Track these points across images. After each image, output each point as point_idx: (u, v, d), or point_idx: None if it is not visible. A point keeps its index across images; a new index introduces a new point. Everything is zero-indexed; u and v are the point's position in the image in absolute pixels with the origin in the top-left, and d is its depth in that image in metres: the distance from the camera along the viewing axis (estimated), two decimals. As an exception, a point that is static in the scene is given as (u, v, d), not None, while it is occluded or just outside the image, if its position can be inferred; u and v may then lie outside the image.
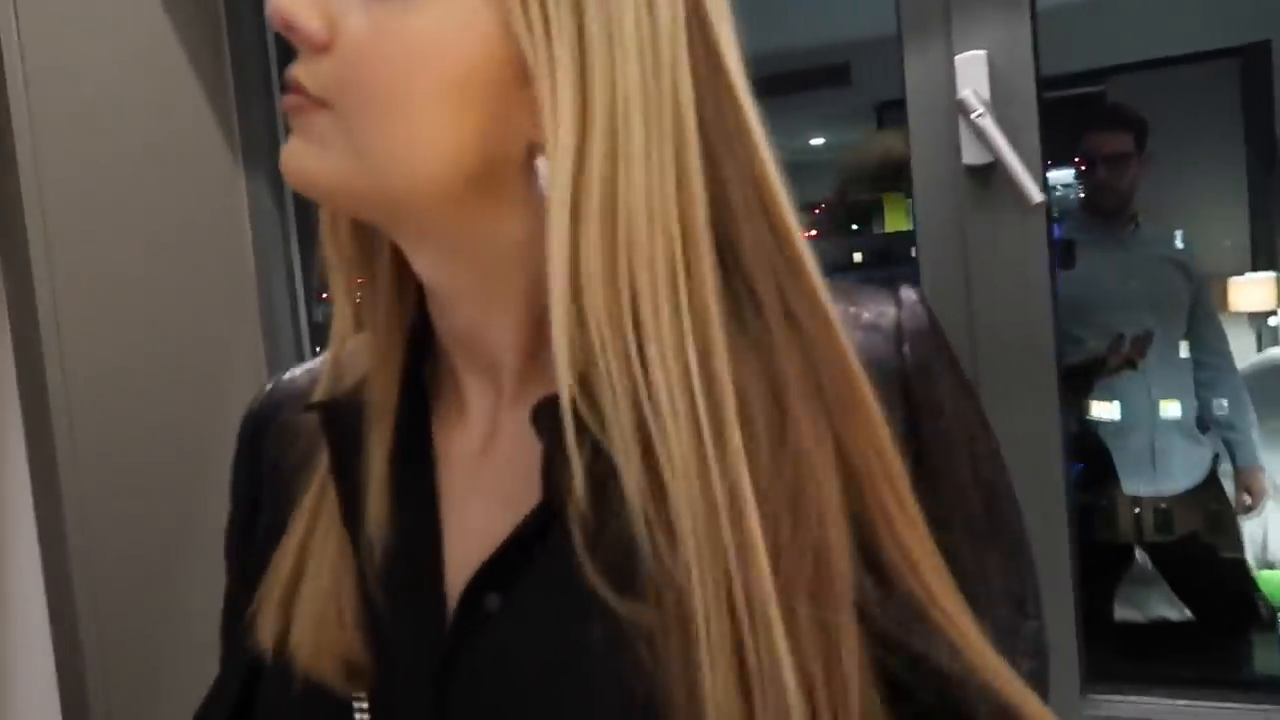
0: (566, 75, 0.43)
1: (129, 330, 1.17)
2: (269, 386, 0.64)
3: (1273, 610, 2.52)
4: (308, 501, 0.53)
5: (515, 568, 0.46)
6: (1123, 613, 2.53)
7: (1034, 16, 1.00)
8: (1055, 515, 1.02)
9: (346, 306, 0.54)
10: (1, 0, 1.05)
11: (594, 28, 0.43)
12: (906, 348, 0.49)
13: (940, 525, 0.46)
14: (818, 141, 4.36)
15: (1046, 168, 1.02)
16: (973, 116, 0.95)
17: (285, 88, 0.47)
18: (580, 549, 0.42)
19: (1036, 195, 0.94)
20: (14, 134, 1.06)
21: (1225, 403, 2.38)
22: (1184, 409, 2.30)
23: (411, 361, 0.53)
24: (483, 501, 0.50)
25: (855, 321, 0.50)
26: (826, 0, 3.29)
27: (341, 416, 0.52)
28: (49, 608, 1.10)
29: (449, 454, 0.53)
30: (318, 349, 1.39)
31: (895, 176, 2.48)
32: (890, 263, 2.58)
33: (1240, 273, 3.45)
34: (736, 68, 0.46)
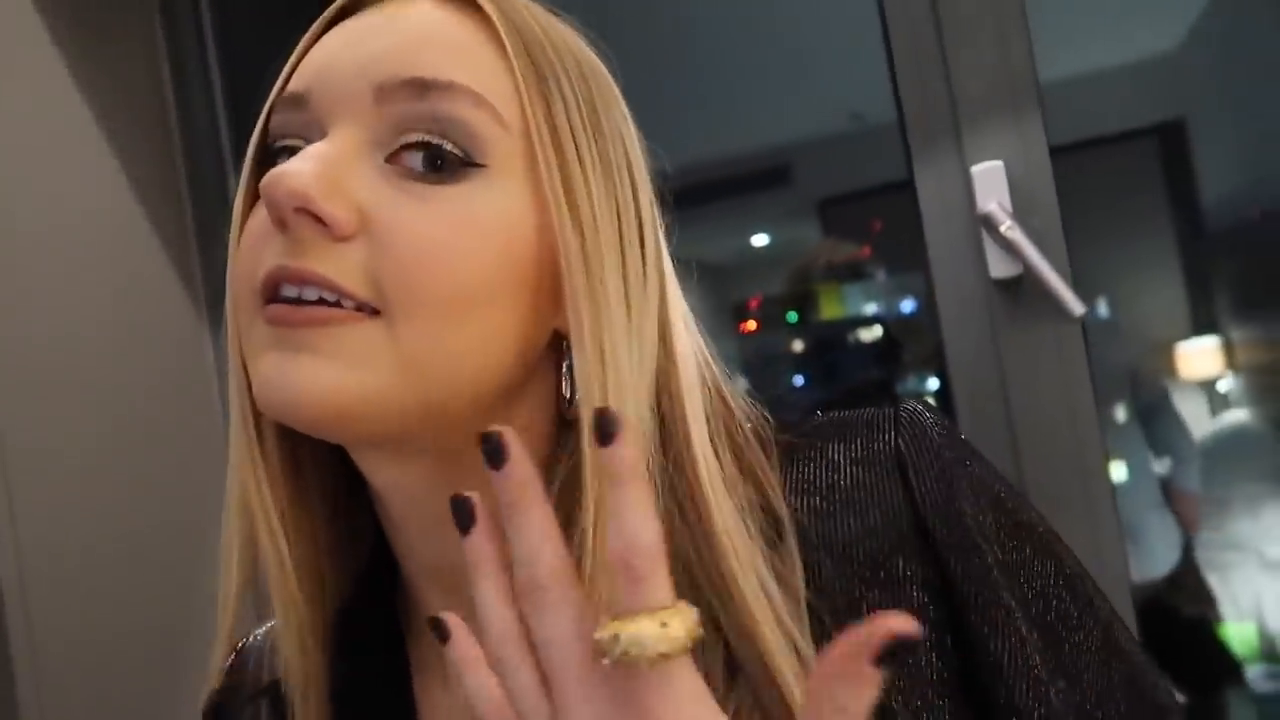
0: (593, 252, 0.40)
1: (88, 511, 1.05)
2: (229, 661, 0.55)
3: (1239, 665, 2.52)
4: None
5: None
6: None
7: (1045, 122, 0.97)
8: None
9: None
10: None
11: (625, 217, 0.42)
12: (916, 471, 0.43)
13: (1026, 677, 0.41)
14: (760, 241, 4.42)
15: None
16: (1002, 230, 0.91)
17: (282, 283, 0.38)
18: None
19: (1078, 307, 0.90)
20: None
21: (1174, 464, 2.40)
22: (1133, 476, 2.30)
23: (377, 610, 0.46)
24: None
25: (845, 451, 0.44)
26: (765, 104, 3.36)
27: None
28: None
29: (428, 691, 0.46)
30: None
31: (838, 275, 2.58)
32: (830, 349, 2.59)
33: (1183, 338, 3.52)
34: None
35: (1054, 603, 0.44)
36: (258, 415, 0.42)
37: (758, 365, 2.82)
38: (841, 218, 3.79)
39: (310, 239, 0.39)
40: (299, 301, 0.39)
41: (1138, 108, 3.54)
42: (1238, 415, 3.38)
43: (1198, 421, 3.14)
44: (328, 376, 0.38)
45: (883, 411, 0.45)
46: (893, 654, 0.29)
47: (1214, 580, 2.70)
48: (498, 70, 0.42)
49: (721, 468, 0.42)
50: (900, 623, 0.29)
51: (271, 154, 0.43)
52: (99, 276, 1.11)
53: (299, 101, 0.42)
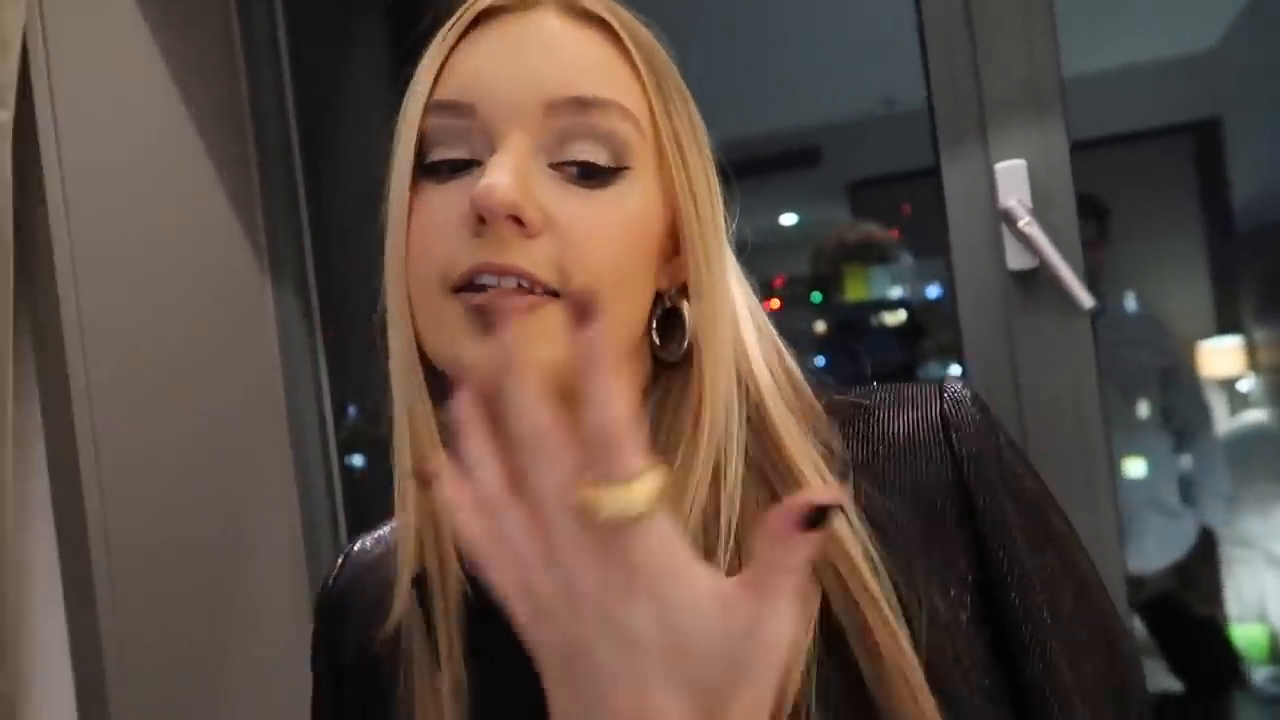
0: (709, 231, 0.50)
1: (161, 447, 1.14)
2: (340, 560, 0.63)
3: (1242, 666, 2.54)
4: (419, 680, 0.52)
5: None
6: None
7: (1067, 123, 1.03)
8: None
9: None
10: (44, 130, 1.04)
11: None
12: (958, 435, 0.51)
13: (1019, 603, 0.49)
14: (789, 221, 4.45)
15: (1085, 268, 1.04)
16: (1020, 225, 0.97)
17: (483, 275, 0.46)
18: None
19: (1088, 301, 0.95)
20: (55, 258, 1.04)
21: (1191, 459, 2.40)
22: (1154, 473, 2.32)
23: None
24: None
25: (901, 417, 0.52)
26: (798, 85, 3.39)
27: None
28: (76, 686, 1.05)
29: None
30: (344, 458, 1.37)
31: (862, 257, 2.58)
32: (852, 332, 2.63)
33: (1206, 336, 3.54)
34: None
35: (1057, 588, 0.51)
36: (427, 365, 0.50)
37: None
38: (870, 201, 3.82)
39: (509, 237, 0.46)
40: (497, 289, 0.46)
41: (1175, 104, 3.54)
42: (1256, 415, 3.40)
43: (1217, 420, 3.16)
44: (536, 348, 0.46)
45: (932, 385, 0.53)
46: (816, 521, 0.35)
47: (1222, 576, 2.72)
48: (631, 84, 0.50)
49: (785, 403, 0.50)
50: (822, 494, 0.36)
51: (430, 161, 0.49)
52: (172, 228, 1.19)
53: (464, 110, 0.49)
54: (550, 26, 0.50)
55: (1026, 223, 0.96)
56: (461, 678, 0.50)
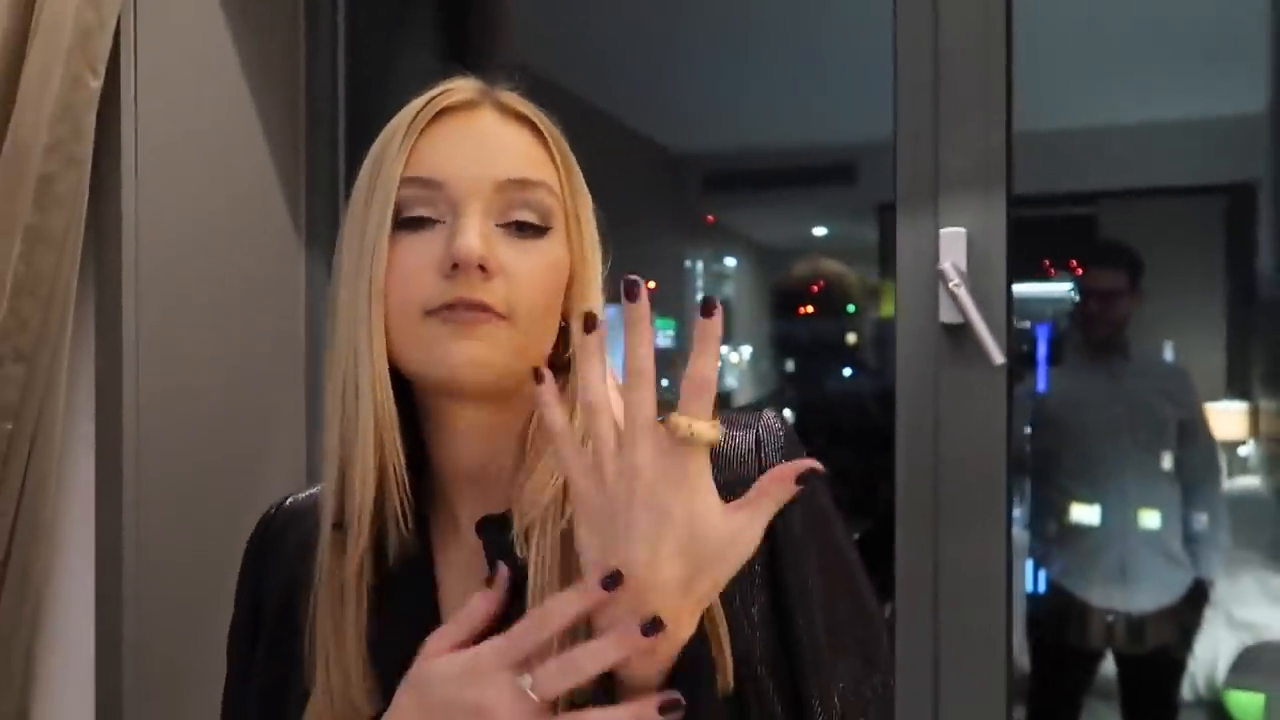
0: (590, 274, 0.69)
1: (195, 378, 1.31)
2: (271, 511, 0.79)
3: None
4: (326, 602, 0.67)
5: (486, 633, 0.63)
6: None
7: (1009, 199, 1.16)
8: (996, 638, 1.16)
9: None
10: (125, 99, 1.22)
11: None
12: (764, 453, 0.69)
13: (799, 582, 0.66)
14: (820, 232, 4.56)
15: (1010, 328, 1.17)
16: (950, 285, 1.11)
17: (457, 306, 0.63)
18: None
19: (999, 358, 1.09)
20: (122, 209, 1.21)
21: (1205, 518, 2.46)
22: (1165, 525, 2.40)
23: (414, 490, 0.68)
24: (469, 589, 0.66)
25: (729, 439, 0.69)
26: (840, 103, 3.48)
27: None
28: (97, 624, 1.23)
29: (445, 563, 0.70)
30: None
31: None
32: (882, 346, 2.73)
33: (1215, 398, 3.60)
34: None
35: (824, 566, 0.69)
36: (394, 372, 0.65)
37: (809, 350, 2.94)
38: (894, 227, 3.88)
39: (475, 279, 0.63)
40: (467, 314, 0.64)
41: (1216, 164, 3.59)
42: (1250, 481, 3.46)
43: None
44: (484, 352, 0.64)
45: (754, 414, 0.71)
46: (807, 479, 0.56)
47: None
48: (550, 168, 0.69)
49: None
50: (814, 463, 0.56)
51: (403, 218, 0.65)
52: (224, 194, 1.36)
53: (435, 185, 0.65)
54: (492, 124, 0.68)
55: (955, 284, 1.10)
56: (364, 610, 0.65)
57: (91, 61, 1.17)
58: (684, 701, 0.56)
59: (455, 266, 0.63)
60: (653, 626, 0.55)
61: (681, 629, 0.57)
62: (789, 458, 0.68)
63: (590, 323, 0.57)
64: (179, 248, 1.29)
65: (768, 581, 0.67)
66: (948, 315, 1.15)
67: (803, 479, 0.56)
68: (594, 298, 0.69)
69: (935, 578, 1.17)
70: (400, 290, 0.64)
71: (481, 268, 0.63)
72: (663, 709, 0.56)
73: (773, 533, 0.65)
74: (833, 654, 0.67)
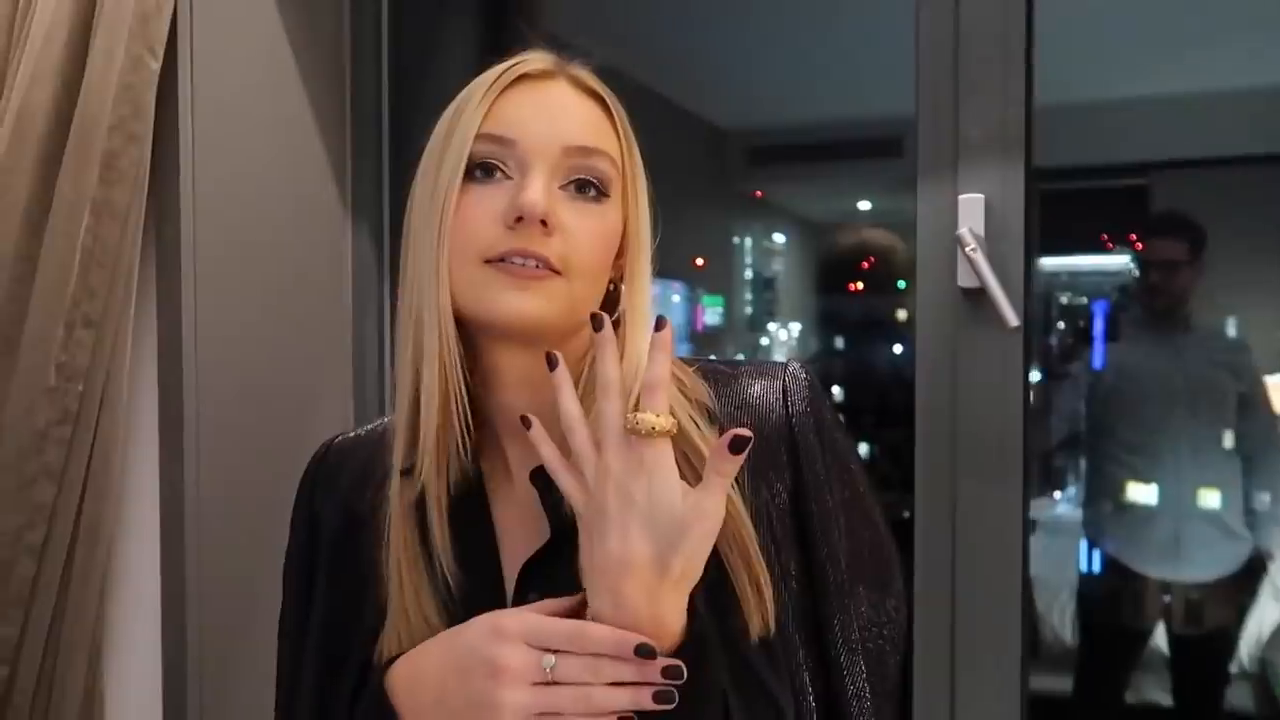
0: (642, 243, 0.74)
1: (248, 350, 1.39)
2: (323, 450, 0.85)
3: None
4: (399, 535, 0.72)
5: (546, 575, 0.69)
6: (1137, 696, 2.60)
7: (1028, 167, 1.18)
8: (1011, 595, 1.19)
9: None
10: (183, 80, 1.29)
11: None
12: (791, 400, 0.74)
13: (817, 520, 0.72)
14: (865, 206, 4.55)
15: (1028, 293, 1.19)
16: (967, 250, 1.14)
17: (515, 256, 0.69)
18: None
19: (1014, 320, 1.12)
20: (180, 183, 1.29)
21: (1267, 497, 2.42)
22: (1225, 500, 2.37)
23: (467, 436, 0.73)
24: (525, 534, 0.72)
25: (756, 385, 0.75)
26: (884, 76, 3.46)
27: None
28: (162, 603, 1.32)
29: (499, 502, 0.75)
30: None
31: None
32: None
33: (1271, 371, 3.52)
34: None
35: (844, 500, 0.75)
36: (459, 318, 0.70)
37: (858, 326, 2.97)
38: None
39: (535, 233, 0.68)
40: (523, 266, 0.69)
41: (1271, 134, 3.51)
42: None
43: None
44: (537, 305, 0.69)
45: (780, 364, 0.76)
46: (739, 447, 0.60)
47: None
48: (614, 140, 0.74)
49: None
50: (740, 430, 0.60)
51: (474, 166, 0.70)
52: (276, 170, 1.43)
53: (507, 143, 0.70)
54: (565, 94, 0.73)
55: (972, 249, 1.13)
56: (446, 536, 0.70)
57: (151, 44, 1.24)
58: (685, 670, 0.60)
59: (519, 219, 0.68)
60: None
61: (662, 607, 0.61)
62: (812, 406, 0.74)
63: (597, 322, 0.64)
64: (233, 220, 1.37)
65: (793, 516, 0.73)
66: (965, 280, 1.18)
67: (740, 446, 0.60)
68: (643, 267, 0.74)
69: (953, 534, 1.20)
70: (463, 236, 0.69)
71: (543, 223, 0.68)
72: (664, 673, 0.60)
73: (798, 472, 0.72)
74: (853, 579, 0.73)
